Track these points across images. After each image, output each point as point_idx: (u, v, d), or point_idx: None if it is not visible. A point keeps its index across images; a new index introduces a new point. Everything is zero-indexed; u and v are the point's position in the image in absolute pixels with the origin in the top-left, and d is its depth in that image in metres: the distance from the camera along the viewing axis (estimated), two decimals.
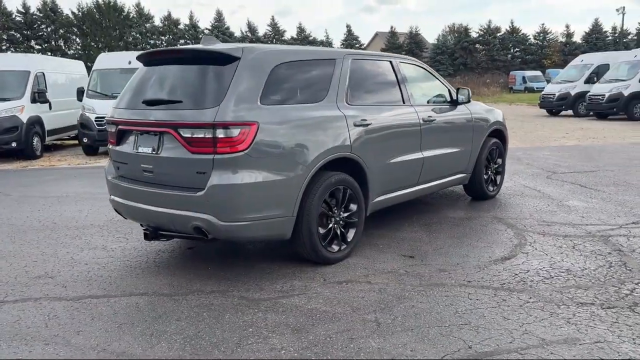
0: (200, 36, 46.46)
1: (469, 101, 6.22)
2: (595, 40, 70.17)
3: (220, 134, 3.83)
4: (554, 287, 4.02)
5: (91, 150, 13.48)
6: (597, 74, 21.65)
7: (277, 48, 4.62)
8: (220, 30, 66.09)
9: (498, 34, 71.02)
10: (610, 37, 71.44)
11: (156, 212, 4.19)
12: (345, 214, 4.66)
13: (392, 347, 3.16)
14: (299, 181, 4.20)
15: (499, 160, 7.06)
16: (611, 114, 20.09)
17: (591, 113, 21.19)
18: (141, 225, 4.67)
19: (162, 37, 64.91)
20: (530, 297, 3.83)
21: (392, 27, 69.82)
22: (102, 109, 12.54)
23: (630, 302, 3.71)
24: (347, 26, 72.95)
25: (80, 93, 13.61)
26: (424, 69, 6.08)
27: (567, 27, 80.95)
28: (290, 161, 4.16)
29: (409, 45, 67.89)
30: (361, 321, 3.50)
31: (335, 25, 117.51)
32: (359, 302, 3.80)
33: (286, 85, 4.33)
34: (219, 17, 67.70)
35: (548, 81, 55.48)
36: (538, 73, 57.68)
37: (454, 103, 6.13)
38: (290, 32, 69.70)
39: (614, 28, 72.43)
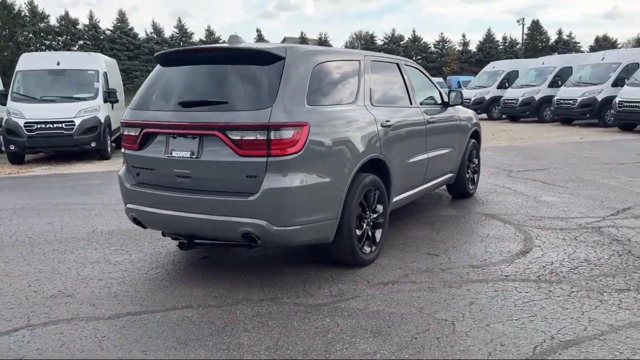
0: (102, 36, 43.73)
1: (460, 103, 6.44)
2: (489, 49, 75.20)
3: (274, 135, 3.70)
4: (584, 276, 4.25)
5: (17, 159, 12.41)
6: (508, 79, 23.17)
7: (314, 48, 4.53)
8: (123, 31, 63.31)
9: (402, 42, 74.08)
10: (501, 47, 76.82)
11: (196, 220, 3.95)
12: (374, 215, 4.66)
13: (482, 343, 3.20)
14: (343, 183, 4.15)
15: (476, 160, 7.38)
16: (524, 117, 21.59)
17: (504, 116, 22.67)
18: (163, 234, 4.37)
19: (59, 38, 61.04)
20: (572, 287, 4.03)
21: (302, 33, 70.61)
22: (32, 113, 11.64)
23: None
24: (257, 30, 72.64)
25: (2, 97, 12.49)
26: (419, 70, 6.22)
27: (464, 36, 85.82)
28: (336, 162, 4.11)
29: None
30: (434, 321, 3.52)
31: (230, 30, 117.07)
32: (418, 302, 3.81)
33: (324, 85, 4.26)
34: (122, 18, 64.86)
35: (449, 87, 58.97)
36: (440, 80, 60.59)
37: (445, 105, 6.32)
38: (198, 35, 67.98)
39: (504, 38, 78.10)
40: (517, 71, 23.66)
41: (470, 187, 7.23)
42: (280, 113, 3.73)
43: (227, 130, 3.77)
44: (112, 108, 13.66)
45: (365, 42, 74.10)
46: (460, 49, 76.57)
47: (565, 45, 75.12)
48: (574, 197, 7.16)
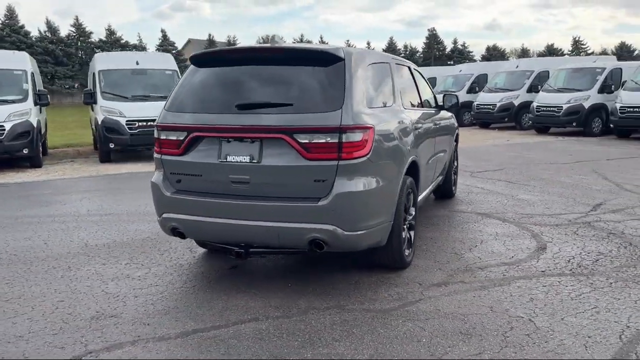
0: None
1: (457, 106, 6.64)
2: None
3: (345, 138, 3.61)
4: (609, 268, 4.54)
5: None
6: (477, 83, 23.43)
7: (361, 49, 4.46)
8: (13, 28, 58.56)
9: None
10: (402, 55, 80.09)
11: (256, 227, 3.76)
12: (410, 217, 4.70)
13: (570, 336, 3.32)
14: (397, 185, 4.14)
15: (455, 162, 7.65)
16: (501, 122, 21.49)
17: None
18: (204, 245, 4.10)
19: None
20: (607, 279, 4.30)
21: (210, 36, 69.22)
22: None
23: None
24: (162, 31, 69.89)
25: None
26: (420, 74, 6.34)
27: (369, 44, 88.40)
28: (393, 165, 4.09)
29: None
30: (511, 319, 3.60)
31: (129, 30, 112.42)
32: (483, 301, 3.88)
33: (374, 87, 4.23)
34: (11, 15, 59.96)
35: None
36: None
37: (440, 108, 6.50)
38: (97, 34, 64.33)
39: (406, 46, 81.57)
40: (436, 78, 24.74)
41: (453, 188, 7.47)
42: (349, 115, 3.65)
43: (295, 133, 3.63)
44: (40, 111, 12.69)
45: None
46: None
47: (460, 54, 79.66)
48: (547, 194, 7.62)
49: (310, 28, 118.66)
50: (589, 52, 72.35)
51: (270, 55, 4.06)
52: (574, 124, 16.99)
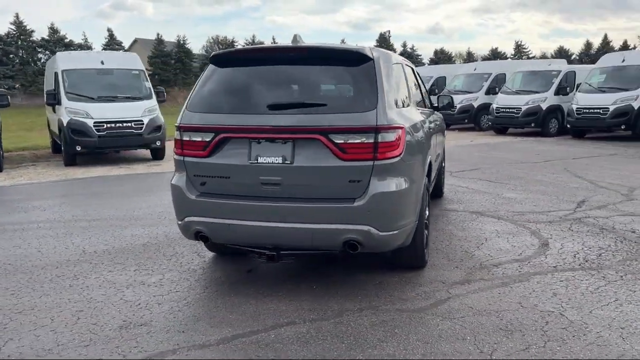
0: None
1: (451, 107, 6.74)
2: None
3: (381, 138, 3.61)
4: (614, 262, 4.73)
5: None
6: (437, 85, 23.85)
7: (383, 49, 4.46)
8: None
9: None
10: None
11: (289, 230, 3.70)
12: (425, 217, 4.74)
13: (606, 329, 3.44)
14: (422, 185, 4.17)
15: (444, 163, 7.78)
16: (461, 124, 21.98)
17: None
18: (224, 249, 3.98)
19: None
20: (617, 272, 4.47)
21: (159, 35, 67.59)
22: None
23: None
24: (109, 30, 67.68)
25: None
26: (418, 74, 6.41)
27: None
28: (419, 165, 4.12)
29: (177, 54, 66.59)
30: (543, 313, 3.68)
31: (70, 29, 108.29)
32: (510, 297, 3.96)
33: (397, 87, 4.25)
34: None
35: None
36: None
37: (435, 109, 6.59)
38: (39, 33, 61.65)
39: None
40: (445, 77, 25.01)
41: (443, 187, 7.60)
42: (384, 115, 3.65)
43: (331, 133, 3.59)
44: None
45: (225, 46, 73.24)
46: None
47: (410, 57, 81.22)
48: (530, 193, 7.86)
49: (257, 29, 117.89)
50: (531, 55, 75.01)
51: (297, 55, 4.00)
52: (533, 124, 17.61)
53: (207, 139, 3.82)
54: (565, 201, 7.24)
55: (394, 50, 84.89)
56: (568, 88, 17.54)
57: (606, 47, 64.96)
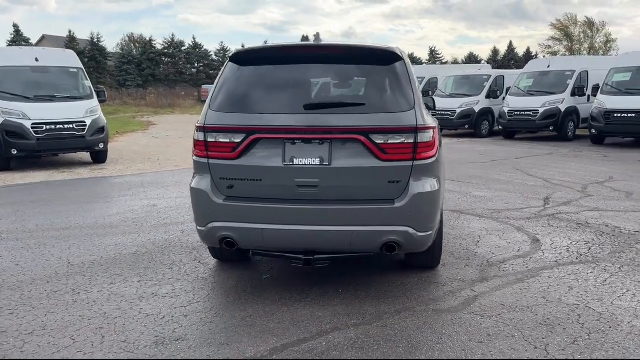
0: None
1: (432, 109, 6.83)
2: None
3: (420, 138, 3.60)
4: (606, 254, 5.00)
5: None
6: None
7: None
8: None
9: (183, 48, 72.64)
10: None
11: (326, 233, 3.60)
12: None
13: (636, 319, 3.62)
14: (444, 186, 4.21)
15: None
16: None
17: None
18: (252, 254, 3.81)
19: None
20: (614, 264, 4.73)
21: (70, 32, 64.11)
22: None
23: None
24: (15, 25, 63.07)
25: None
26: None
27: (243, 46, 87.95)
28: (443, 165, 4.15)
29: (91, 52, 63.51)
30: (570, 306, 3.82)
31: None
32: (532, 293, 4.08)
33: (418, 87, 4.25)
34: None
35: None
36: None
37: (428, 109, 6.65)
38: None
39: None
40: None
41: None
42: (421, 116, 3.65)
43: (372, 133, 3.53)
44: None
45: (143, 45, 70.67)
46: None
47: None
48: (495, 191, 8.18)
49: (170, 27, 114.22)
50: (444, 61, 78.29)
51: (328, 53, 3.89)
52: (467, 126, 18.37)
53: (237, 140, 3.63)
54: (532, 198, 7.58)
55: None
56: (498, 92, 18.45)
57: (511, 53, 69.25)
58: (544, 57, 51.47)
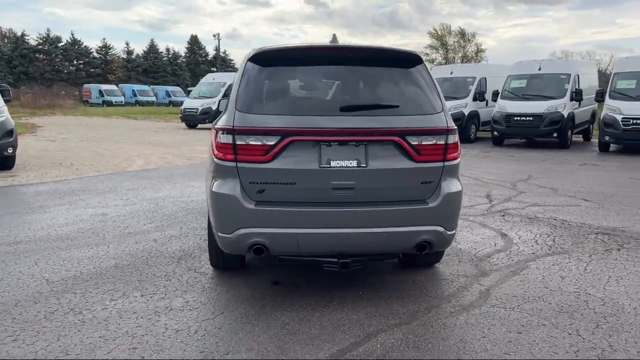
0: None
1: None
2: (154, 59, 75.40)
3: (450, 140, 3.74)
4: (569, 246, 5.49)
5: None
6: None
7: None
8: None
9: (60, 44, 67.69)
10: (165, 58, 77.95)
11: (362, 235, 3.60)
12: None
13: (634, 301, 4.02)
14: None
15: None
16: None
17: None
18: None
19: None
20: (583, 254, 5.20)
21: None
22: None
23: (621, 241, 5.54)
24: None
25: None
26: None
27: (127, 44, 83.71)
28: None
29: None
30: (572, 294, 4.15)
31: None
32: (534, 284, 4.37)
33: None
34: None
35: (124, 95, 57.03)
36: (114, 87, 58.11)
37: None
38: None
39: (168, 49, 79.57)
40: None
41: None
42: (449, 117, 3.78)
43: (408, 135, 3.60)
44: None
45: (14, 41, 64.81)
46: (125, 56, 74.48)
47: (223, 62, 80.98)
48: None
49: (35, 22, 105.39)
50: None
51: (350, 55, 3.87)
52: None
53: (271, 143, 3.51)
54: (475, 196, 8.07)
55: (206, 53, 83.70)
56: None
57: None
58: None
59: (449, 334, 3.43)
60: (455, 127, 3.81)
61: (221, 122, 3.72)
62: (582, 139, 18.60)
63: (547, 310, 3.81)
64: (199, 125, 24.92)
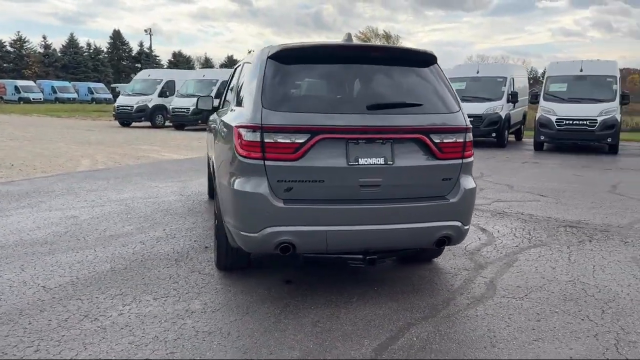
0: None
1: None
2: (74, 54, 71.86)
3: (468, 138, 3.89)
4: (548, 237, 5.84)
5: None
6: (168, 88, 23.73)
7: None
8: None
9: None
10: (87, 53, 74.48)
11: (388, 231, 3.67)
12: None
13: (627, 287, 4.34)
14: None
15: None
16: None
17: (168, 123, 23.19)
18: (294, 256, 3.68)
19: None
20: (562, 246, 5.53)
21: None
22: None
23: (589, 233, 5.95)
24: None
25: None
26: None
27: (45, 38, 79.14)
28: None
29: None
30: (569, 281, 4.43)
31: None
32: (533, 274, 4.61)
33: None
34: None
35: (42, 91, 53.94)
36: (32, 83, 54.87)
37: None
38: None
39: (89, 44, 76.08)
40: (174, 81, 24.40)
41: None
42: (465, 116, 3.92)
43: (432, 133, 3.71)
44: None
45: None
46: (42, 51, 70.45)
47: (147, 58, 78.52)
48: None
49: None
50: None
51: (369, 54, 3.93)
52: (200, 121, 20.51)
53: (300, 141, 3.50)
54: None
55: (130, 49, 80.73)
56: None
57: None
58: None
59: (475, 324, 3.56)
60: (471, 126, 3.95)
61: (243, 119, 3.65)
62: (514, 139, 19.62)
63: (553, 299, 4.03)
64: (133, 124, 24.07)
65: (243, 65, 4.90)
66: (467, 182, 3.90)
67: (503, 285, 4.31)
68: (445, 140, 3.75)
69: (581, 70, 15.50)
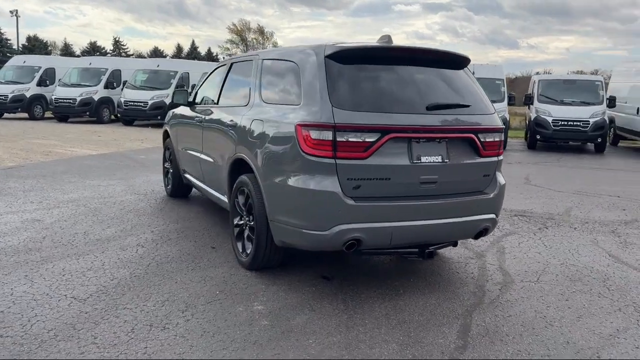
0: None
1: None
2: None
3: (502, 137, 4.26)
4: (514, 226, 6.47)
5: None
6: (47, 76, 21.80)
7: None
8: None
9: None
10: None
11: (443, 225, 3.92)
12: None
13: (609, 267, 5.01)
14: None
15: None
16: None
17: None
18: (362, 251, 3.80)
19: None
20: (528, 233, 6.18)
21: None
22: None
23: (542, 221, 6.69)
24: None
25: None
26: None
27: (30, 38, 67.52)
28: None
29: None
30: (573, 265, 5.02)
31: None
32: (530, 259, 5.10)
33: None
34: None
35: None
36: None
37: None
38: None
39: None
40: (54, 68, 22.42)
41: None
42: (498, 117, 4.29)
43: (480, 133, 4.01)
44: None
45: None
46: None
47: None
48: None
49: None
50: (130, 53, 75.99)
51: (418, 56, 4.11)
52: (88, 113, 20.41)
53: (371, 140, 3.60)
54: None
55: None
56: (115, 83, 21.11)
57: (194, 51, 72.52)
58: (223, 57, 55.33)
59: (522, 308, 3.91)
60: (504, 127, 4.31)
61: (310, 117, 3.64)
62: None
63: (562, 280, 4.53)
64: (5, 115, 21.72)
65: (244, 64, 5.09)
66: (501, 178, 4.26)
67: (512, 271, 4.74)
68: (488, 140, 4.06)
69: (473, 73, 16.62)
